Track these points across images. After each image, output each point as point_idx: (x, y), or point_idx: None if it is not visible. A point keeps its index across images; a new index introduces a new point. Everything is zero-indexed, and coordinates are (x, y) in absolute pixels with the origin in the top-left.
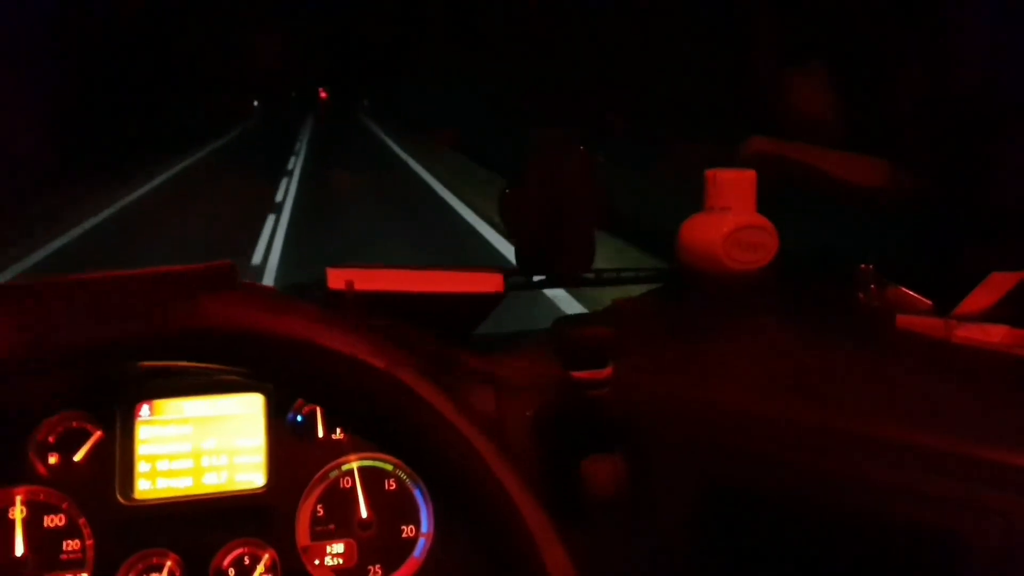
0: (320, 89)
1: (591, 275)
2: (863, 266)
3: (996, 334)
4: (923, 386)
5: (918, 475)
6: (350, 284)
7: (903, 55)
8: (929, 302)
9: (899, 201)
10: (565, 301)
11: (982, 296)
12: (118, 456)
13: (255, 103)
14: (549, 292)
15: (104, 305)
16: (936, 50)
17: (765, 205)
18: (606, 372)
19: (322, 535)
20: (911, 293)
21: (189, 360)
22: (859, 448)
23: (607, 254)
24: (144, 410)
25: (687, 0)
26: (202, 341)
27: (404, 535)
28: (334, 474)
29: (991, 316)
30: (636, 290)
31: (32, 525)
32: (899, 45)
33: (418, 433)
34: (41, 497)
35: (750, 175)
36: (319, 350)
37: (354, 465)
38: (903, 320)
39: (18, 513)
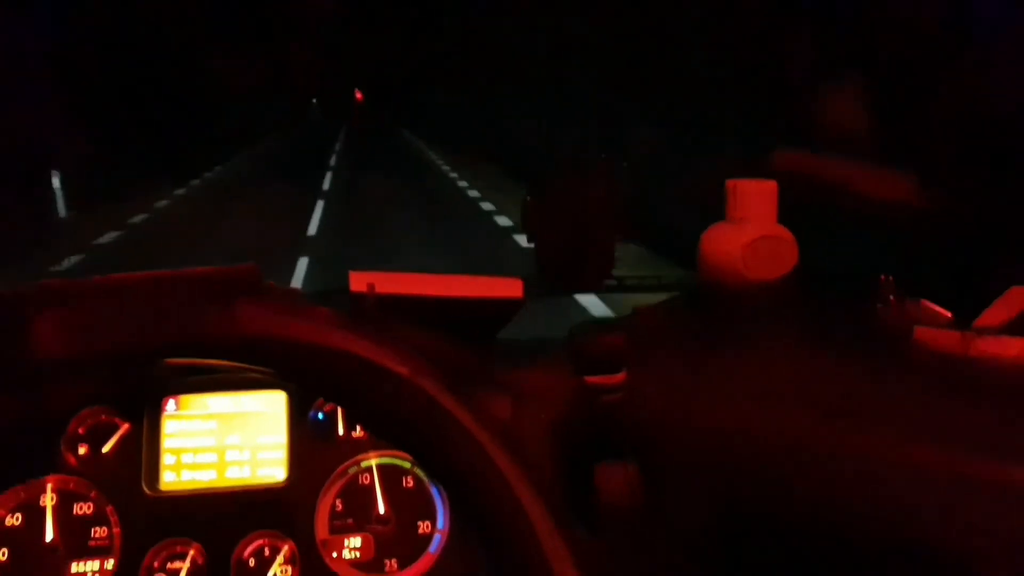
0: (356, 91)
1: (613, 282)
2: (883, 277)
3: (1014, 347)
4: (939, 402)
5: (932, 494)
6: (371, 287)
7: (936, 69)
8: (949, 315)
9: (924, 214)
10: (597, 308)
11: (1001, 309)
12: (145, 449)
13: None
14: (583, 300)
15: (145, 309)
16: (969, 65)
17: (789, 217)
18: (619, 377)
19: (340, 529)
20: (931, 305)
21: (221, 360)
22: (872, 465)
23: (632, 260)
24: (170, 405)
25: (725, 12)
26: (236, 345)
27: (420, 531)
28: (353, 470)
29: (1010, 329)
30: (661, 297)
31: (62, 513)
32: (932, 59)
33: (436, 441)
34: (71, 486)
35: (771, 186)
36: (345, 356)
37: (373, 462)
38: (921, 333)
39: (48, 501)
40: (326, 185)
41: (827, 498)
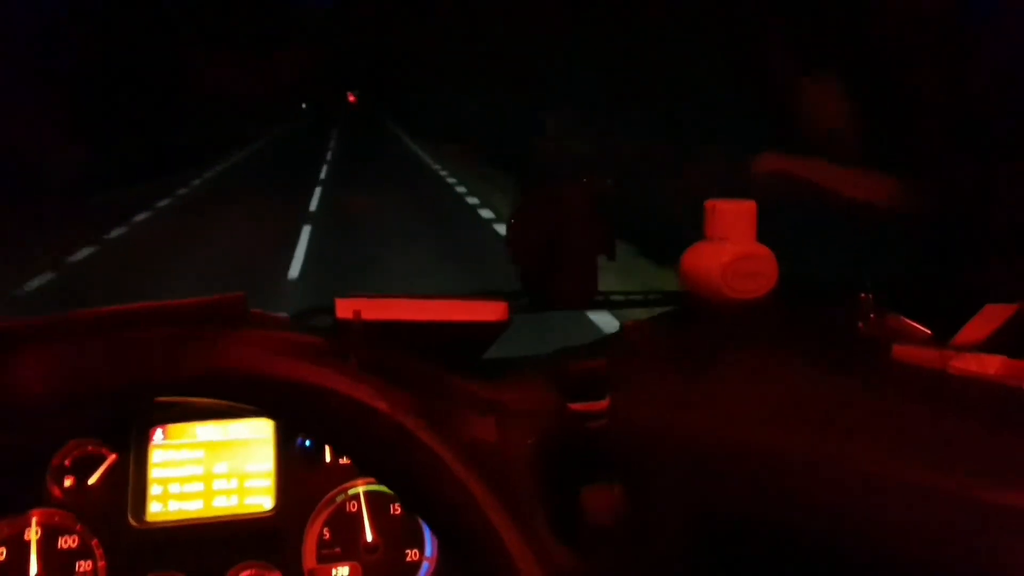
0: (349, 93)
1: (599, 298)
2: (863, 295)
3: (992, 365)
4: (918, 418)
5: (910, 510)
6: (357, 314)
7: (922, 69)
8: (928, 331)
9: (908, 219)
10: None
11: (978, 327)
12: (131, 479)
13: None
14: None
15: (126, 348)
16: (956, 67)
17: (771, 224)
18: (602, 404)
19: (328, 558)
20: (910, 322)
21: (201, 397)
22: (855, 482)
23: (626, 271)
24: (158, 434)
25: (706, 8)
26: (214, 383)
27: (408, 559)
28: (340, 498)
29: (987, 347)
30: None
31: (47, 546)
32: (918, 59)
33: (416, 476)
34: (56, 519)
35: (750, 206)
36: (325, 392)
37: (360, 489)
38: (900, 350)
39: (33, 535)
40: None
41: (810, 516)
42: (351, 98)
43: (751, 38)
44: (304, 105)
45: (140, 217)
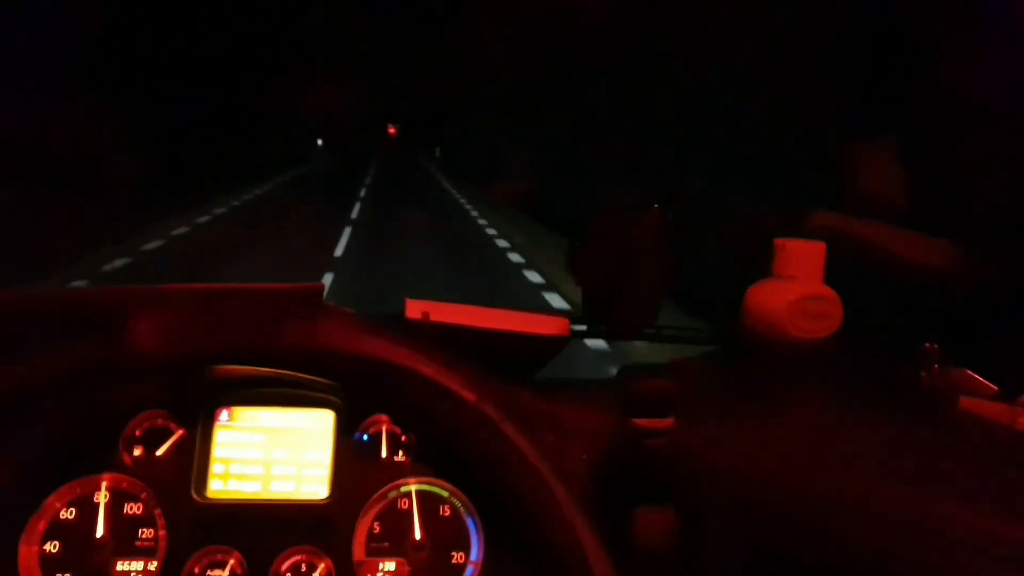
0: (389, 125)
1: (652, 330)
2: (928, 345)
3: None
4: (984, 471)
5: (969, 559)
6: (426, 315)
7: (976, 135)
8: (995, 387)
9: (963, 283)
10: (607, 355)
11: None
12: (196, 455)
13: None
14: (592, 345)
15: (236, 317)
16: (1009, 132)
17: (832, 275)
18: (667, 422)
19: (376, 551)
20: (976, 376)
21: (292, 371)
22: (912, 529)
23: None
24: (223, 415)
25: (764, 70)
26: (312, 356)
27: (454, 560)
28: (393, 494)
29: None
30: (691, 350)
31: (114, 511)
32: (972, 125)
33: (494, 466)
34: (124, 485)
35: (820, 246)
36: (417, 376)
37: (412, 488)
38: (966, 402)
39: (102, 498)
40: None
41: (860, 556)
42: (391, 130)
43: (810, 101)
44: (320, 141)
45: None
